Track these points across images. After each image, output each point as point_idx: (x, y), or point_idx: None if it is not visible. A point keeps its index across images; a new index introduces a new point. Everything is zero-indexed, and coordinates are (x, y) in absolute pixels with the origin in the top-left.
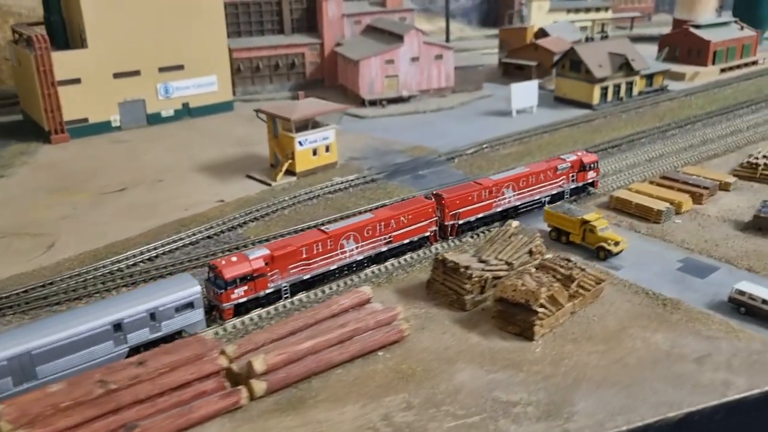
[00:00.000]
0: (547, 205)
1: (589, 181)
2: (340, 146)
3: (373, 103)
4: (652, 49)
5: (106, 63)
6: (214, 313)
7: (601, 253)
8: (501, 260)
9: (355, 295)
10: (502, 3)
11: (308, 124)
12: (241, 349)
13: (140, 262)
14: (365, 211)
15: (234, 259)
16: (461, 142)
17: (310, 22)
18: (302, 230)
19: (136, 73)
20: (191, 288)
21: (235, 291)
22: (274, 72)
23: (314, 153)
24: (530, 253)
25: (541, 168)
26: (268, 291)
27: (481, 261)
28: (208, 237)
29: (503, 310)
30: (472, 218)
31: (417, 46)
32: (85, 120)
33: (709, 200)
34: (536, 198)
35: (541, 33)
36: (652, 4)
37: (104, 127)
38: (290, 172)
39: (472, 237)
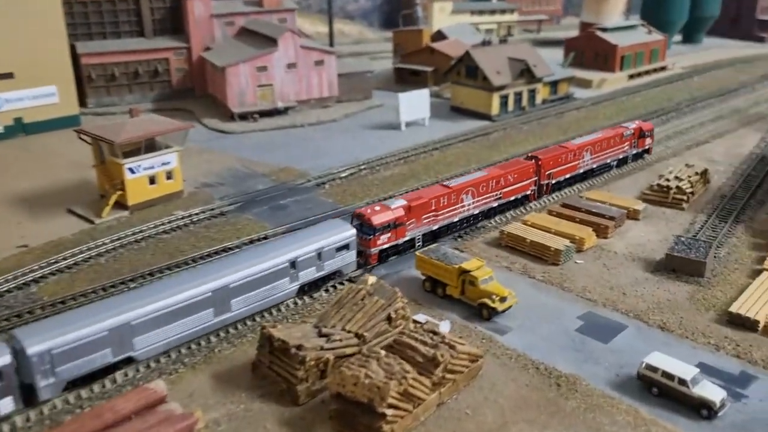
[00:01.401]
0: (419, 250)
1: (647, 147)
2: (195, 170)
3: (243, 116)
4: (559, 53)
5: None
6: (358, 259)
7: (484, 311)
8: (349, 332)
9: (142, 394)
10: (404, 4)
11: (141, 147)
12: None
13: None
14: (477, 170)
15: (377, 208)
16: (338, 162)
17: (175, 23)
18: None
19: None
20: (348, 231)
21: (381, 237)
22: (134, 80)
23: (152, 181)
24: (389, 319)
25: (611, 134)
26: (405, 239)
27: (322, 335)
28: None
29: (343, 409)
30: (562, 178)
31: (293, 51)
32: None
33: (616, 233)
34: (607, 161)
35: (439, 36)
36: (561, 6)
37: None
38: (123, 205)
39: (327, 291)
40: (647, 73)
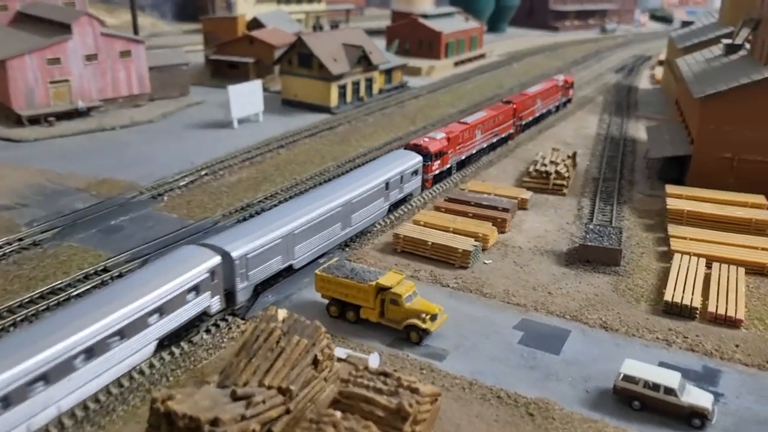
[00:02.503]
0: (319, 269)
1: (570, 97)
2: None
3: (35, 120)
4: (379, 43)
5: None
6: None
7: (413, 334)
8: (271, 388)
9: None
10: None
11: None
12: None
13: None
14: (476, 112)
15: (426, 139)
16: (169, 170)
17: None
18: None
19: None
20: (417, 158)
21: (434, 164)
22: None
23: None
24: (315, 363)
25: (551, 85)
26: (447, 166)
27: (237, 398)
28: None
29: None
30: (526, 121)
31: (92, 40)
32: None
33: (512, 226)
34: (549, 107)
35: (255, 24)
36: None
37: None
38: None
39: (209, 331)
40: (469, 60)
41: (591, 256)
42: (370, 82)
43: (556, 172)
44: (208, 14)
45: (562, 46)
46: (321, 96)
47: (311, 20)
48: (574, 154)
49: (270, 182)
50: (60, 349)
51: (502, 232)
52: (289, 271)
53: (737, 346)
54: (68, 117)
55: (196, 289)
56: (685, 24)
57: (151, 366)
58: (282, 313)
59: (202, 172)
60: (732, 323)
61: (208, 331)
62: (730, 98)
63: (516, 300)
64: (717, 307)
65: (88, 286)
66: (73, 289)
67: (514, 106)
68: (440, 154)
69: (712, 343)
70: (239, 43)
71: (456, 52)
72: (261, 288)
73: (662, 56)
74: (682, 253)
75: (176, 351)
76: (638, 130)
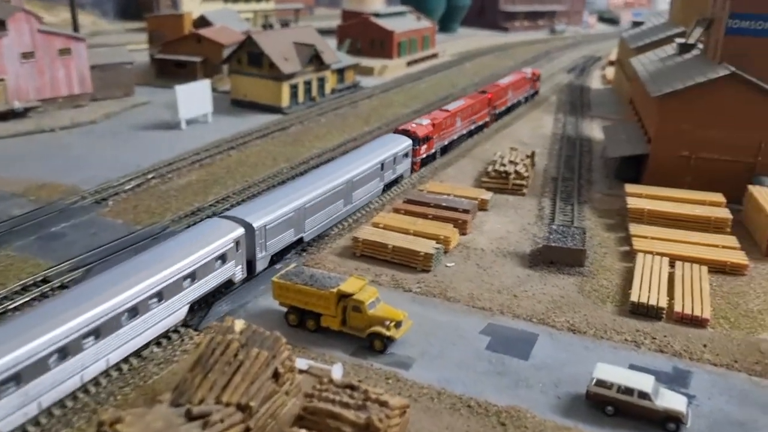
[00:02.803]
0: (276, 276)
1: (537, 89)
2: None
3: None
4: (330, 42)
5: None
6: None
7: (376, 342)
8: (229, 405)
9: None
10: None
11: None
12: None
13: None
14: (455, 100)
15: (413, 125)
16: (114, 173)
17: None
18: None
19: None
20: (407, 142)
21: (422, 148)
22: None
23: None
24: (276, 376)
25: (520, 77)
26: (432, 151)
27: (193, 417)
28: None
29: None
30: (499, 110)
31: (29, 37)
32: None
33: (473, 227)
34: (519, 98)
35: (202, 22)
36: None
37: None
38: None
39: (160, 345)
40: (422, 60)
41: (555, 257)
42: (322, 81)
43: (516, 171)
44: (152, 12)
45: (512, 47)
46: (272, 96)
47: (260, 19)
48: (533, 154)
49: (220, 185)
50: (109, 306)
51: (463, 234)
52: (299, 243)
53: (705, 346)
54: (3, 118)
55: (223, 257)
56: (636, 24)
57: (97, 384)
58: (239, 324)
59: (149, 176)
60: (698, 323)
61: (158, 343)
62: (687, 97)
63: (481, 304)
64: (683, 306)
65: (27, 299)
66: (10, 302)
67: (489, 96)
68: (427, 139)
69: (680, 343)
70: (186, 42)
71: (408, 51)
72: (276, 258)
73: (613, 57)
74: (645, 252)
75: (124, 366)
76: (593, 130)
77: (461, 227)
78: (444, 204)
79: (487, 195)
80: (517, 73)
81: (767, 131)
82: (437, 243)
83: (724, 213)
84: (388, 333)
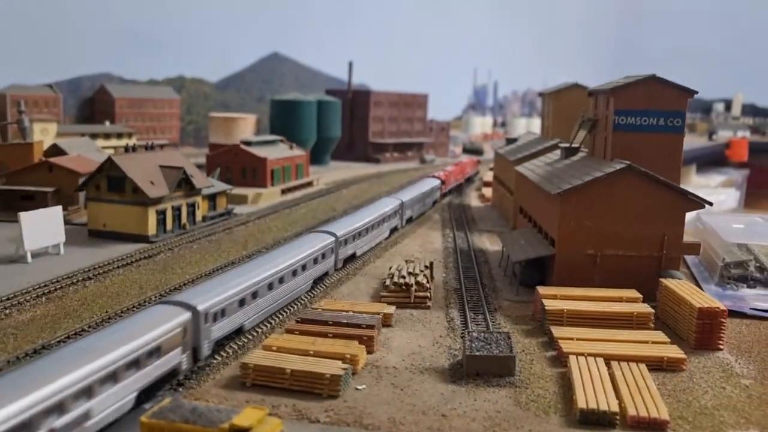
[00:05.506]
0: (145, 415)
1: (478, 170)
2: None
3: None
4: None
5: None
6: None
7: None
8: None
9: None
10: None
11: None
12: None
13: None
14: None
15: (436, 174)
16: None
17: None
18: None
19: None
20: (437, 181)
21: (444, 188)
22: None
23: None
24: None
25: (467, 161)
26: (447, 191)
27: None
28: None
29: None
30: (451, 186)
31: None
32: None
33: (379, 345)
34: (466, 177)
35: (55, 151)
36: (178, 135)
37: None
38: None
39: None
40: (297, 188)
41: (480, 368)
42: (192, 207)
43: (417, 282)
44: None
45: (387, 175)
46: (136, 224)
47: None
48: (431, 264)
49: (74, 318)
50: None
51: (370, 353)
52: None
53: None
54: None
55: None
56: (510, 141)
57: None
58: None
59: None
60: (657, 426)
61: None
62: (588, 193)
63: (406, 428)
64: (637, 409)
65: None
66: None
67: (478, 161)
68: (444, 181)
69: None
70: (36, 171)
71: (282, 179)
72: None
73: (488, 177)
74: (577, 354)
75: None
76: (484, 242)
77: (367, 344)
78: (344, 321)
79: (389, 309)
80: (465, 159)
81: (669, 223)
82: (343, 363)
83: (645, 308)
84: None
